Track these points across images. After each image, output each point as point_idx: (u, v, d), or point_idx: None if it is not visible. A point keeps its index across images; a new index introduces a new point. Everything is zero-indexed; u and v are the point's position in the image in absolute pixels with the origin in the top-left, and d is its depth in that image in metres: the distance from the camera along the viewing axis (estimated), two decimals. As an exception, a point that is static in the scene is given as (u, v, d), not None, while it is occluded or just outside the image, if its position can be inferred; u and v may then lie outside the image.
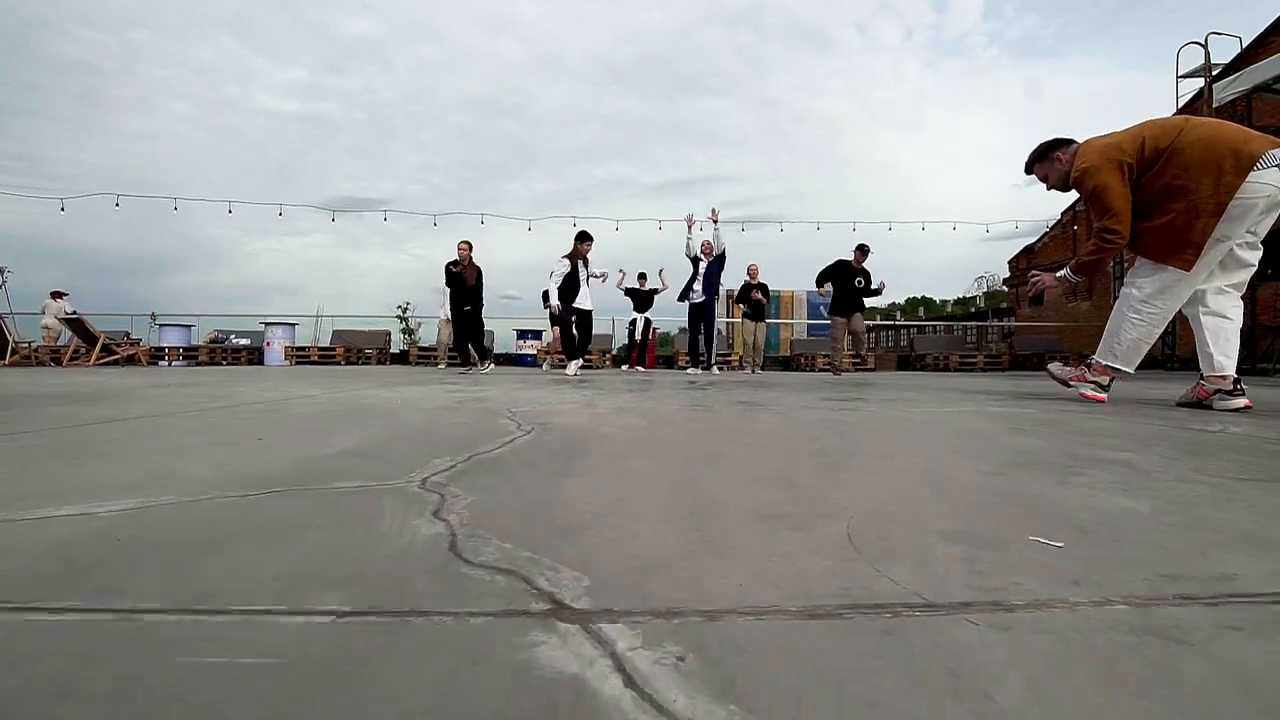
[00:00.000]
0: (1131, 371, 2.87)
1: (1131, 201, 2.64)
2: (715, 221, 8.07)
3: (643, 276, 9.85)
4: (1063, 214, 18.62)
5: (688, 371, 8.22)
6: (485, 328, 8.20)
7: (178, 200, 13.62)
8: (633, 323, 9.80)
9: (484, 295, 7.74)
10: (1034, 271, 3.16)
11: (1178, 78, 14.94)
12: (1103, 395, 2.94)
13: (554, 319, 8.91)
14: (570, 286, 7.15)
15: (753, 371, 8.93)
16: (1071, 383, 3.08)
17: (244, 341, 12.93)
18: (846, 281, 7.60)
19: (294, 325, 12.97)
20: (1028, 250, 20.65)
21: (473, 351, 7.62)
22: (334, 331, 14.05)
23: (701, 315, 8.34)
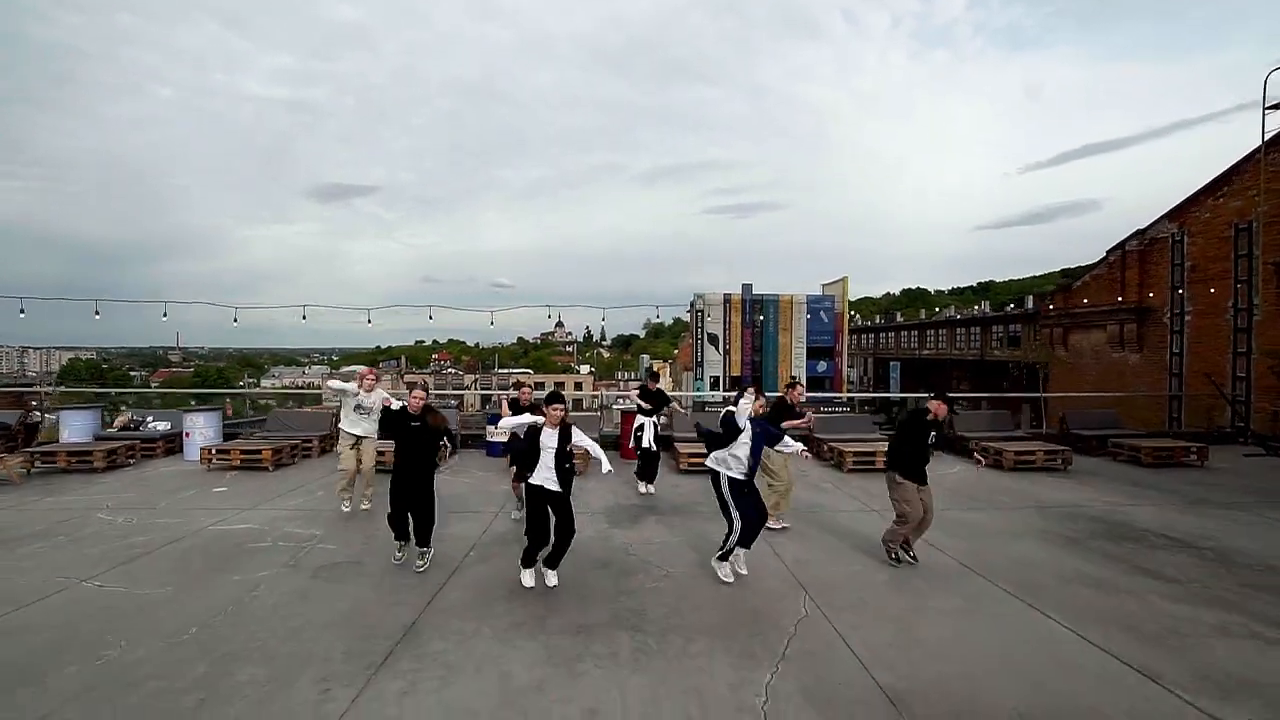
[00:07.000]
0: None
1: None
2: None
3: (654, 376, 9.63)
4: (1109, 252, 16.61)
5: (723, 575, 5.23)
6: (448, 424, 5.80)
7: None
8: (639, 427, 8.45)
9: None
10: None
11: (1265, 108, 12.92)
12: None
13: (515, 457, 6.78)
14: (529, 457, 5.04)
15: (779, 525, 6.89)
16: None
17: (164, 426, 10.86)
18: (924, 436, 5.39)
19: (218, 410, 10.93)
20: (1063, 289, 18.56)
21: (412, 532, 5.36)
22: (273, 412, 12.01)
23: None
